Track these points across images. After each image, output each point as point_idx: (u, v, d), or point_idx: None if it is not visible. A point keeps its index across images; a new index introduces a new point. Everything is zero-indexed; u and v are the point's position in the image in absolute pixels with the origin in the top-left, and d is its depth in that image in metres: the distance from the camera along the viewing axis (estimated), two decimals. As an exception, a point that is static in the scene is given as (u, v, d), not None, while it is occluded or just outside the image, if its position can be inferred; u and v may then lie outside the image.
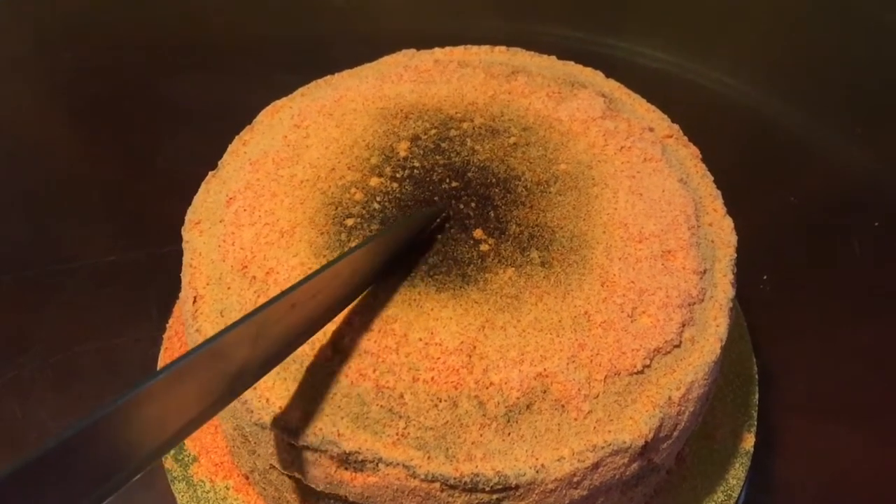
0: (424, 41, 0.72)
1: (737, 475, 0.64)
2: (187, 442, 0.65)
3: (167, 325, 0.73)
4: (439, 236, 0.55)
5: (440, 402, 0.48)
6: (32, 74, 1.06)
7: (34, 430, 0.71)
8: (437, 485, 0.47)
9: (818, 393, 0.74)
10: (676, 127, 0.65)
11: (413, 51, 0.71)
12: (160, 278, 0.77)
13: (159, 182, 0.90)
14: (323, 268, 0.47)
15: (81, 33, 1.11)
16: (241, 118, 0.66)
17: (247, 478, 0.63)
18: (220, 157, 0.63)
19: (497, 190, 0.58)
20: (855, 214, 0.89)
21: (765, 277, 0.81)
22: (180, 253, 0.58)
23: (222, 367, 0.43)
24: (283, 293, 0.45)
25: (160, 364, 0.69)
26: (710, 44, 1.08)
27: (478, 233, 0.56)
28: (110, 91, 1.02)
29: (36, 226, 0.87)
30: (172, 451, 0.65)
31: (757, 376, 0.69)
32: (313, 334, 0.49)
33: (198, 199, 0.61)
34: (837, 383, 0.75)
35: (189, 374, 0.40)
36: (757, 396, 0.68)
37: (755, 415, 0.67)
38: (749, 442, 0.65)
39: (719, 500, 0.62)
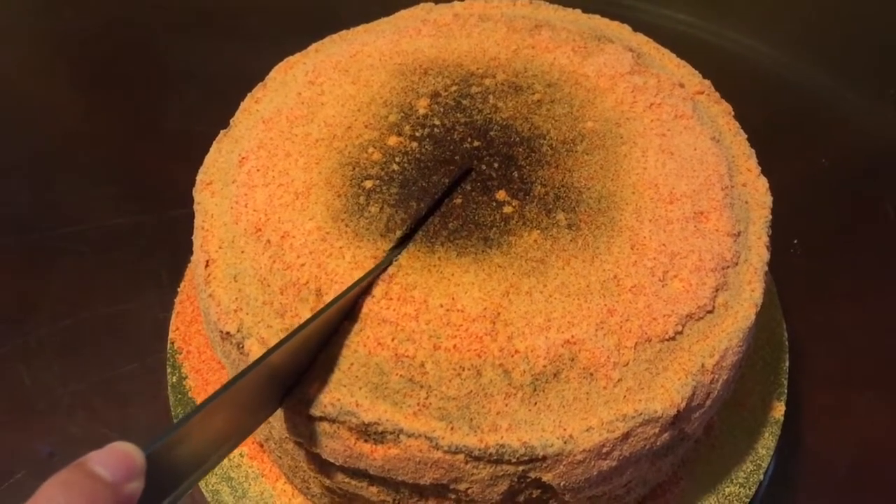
0: (440, 0, 0.69)
1: (766, 444, 0.62)
2: (200, 408, 0.64)
3: (178, 290, 0.71)
4: (460, 199, 0.53)
5: (463, 370, 0.46)
6: (38, 36, 1.04)
7: (42, 396, 0.71)
8: (461, 456, 0.45)
9: (849, 360, 0.73)
10: (708, 83, 0.63)
11: (431, 4, 0.68)
12: (170, 242, 0.75)
13: (168, 144, 0.89)
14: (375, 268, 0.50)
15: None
16: (250, 79, 0.64)
17: (261, 446, 0.61)
18: (228, 119, 0.62)
19: (521, 149, 0.56)
20: (888, 177, 0.87)
21: (796, 242, 0.79)
22: (190, 216, 0.56)
23: (279, 376, 0.45)
24: (338, 298, 0.47)
25: (171, 330, 0.68)
26: (735, 4, 1.05)
27: (501, 194, 0.53)
28: (117, 52, 1.00)
29: (42, 189, 0.86)
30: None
31: (787, 343, 0.66)
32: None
33: (209, 158, 0.59)
34: (869, 350, 0.73)
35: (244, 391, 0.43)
36: (787, 364, 0.66)
37: (785, 383, 0.65)
38: (779, 411, 0.63)
39: (748, 469, 0.61)
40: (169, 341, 0.67)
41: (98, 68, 0.98)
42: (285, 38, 0.71)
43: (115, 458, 0.35)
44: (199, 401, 0.64)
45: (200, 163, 0.59)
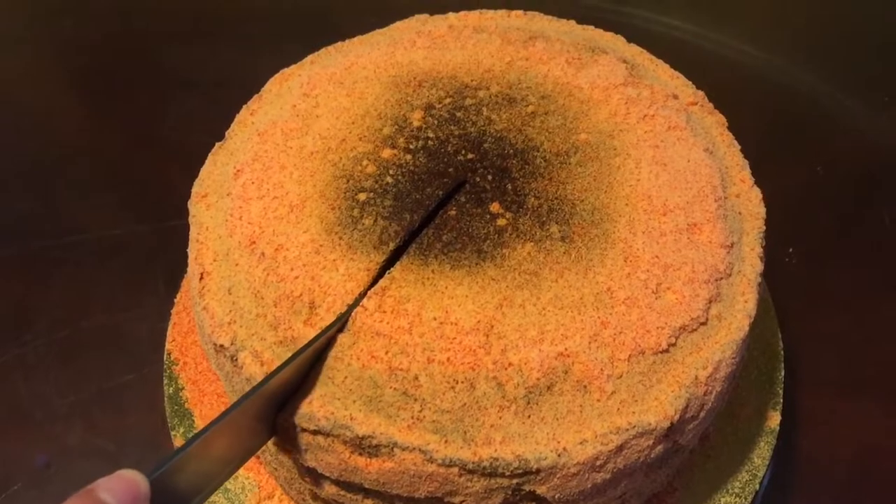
0: (435, 11, 0.70)
1: (762, 454, 0.62)
2: (197, 420, 0.64)
3: (175, 300, 0.71)
4: (453, 211, 0.53)
5: (457, 383, 0.46)
6: (37, 44, 1.04)
7: (40, 407, 0.70)
8: (455, 469, 0.45)
9: (845, 369, 0.73)
10: (701, 94, 0.63)
11: (426, 16, 0.68)
12: (167, 252, 0.76)
13: (165, 153, 0.89)
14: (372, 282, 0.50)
15: (85, 1, 1.09)
16: (247, 88, 0.64)
17: (257, 458, 0.61)
18: (226, 127, 0.62)
19: (514, 161, 0.56)
20: (883, 185, 0.87)
21: (791, 250, 0.79)
22: (187, 226, 0.56)
23: (276, 396, 0.46)
24: (341, 317, 0.48)
25: (168, 341, 0.68)
26: (729, 11, 1.05)
27: (494, 206, 0.53)
28: (116, 61, 1.00)
29: (39, 199, 0.86)
30: (182, 430, 0.63)
31: (783, 352, 0.66)
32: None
33: (204, 171, 0.59)
34: (865, 359, 0.73)
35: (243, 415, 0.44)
36: (783, 373, 0.65)
37: (781, 392, 0.65)
38: (774, 420, 0.63)
39: (744, 479, 0.61)
40: (165, 352, 0.67)
41: (97, 77, 0.98)
42: (284, 46, 0.71)
43: (122, 485, 0.36)
44: (195, 412, 0.64)
45: (198, 172, 0.59)
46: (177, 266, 0.71)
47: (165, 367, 0.67)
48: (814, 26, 1.04)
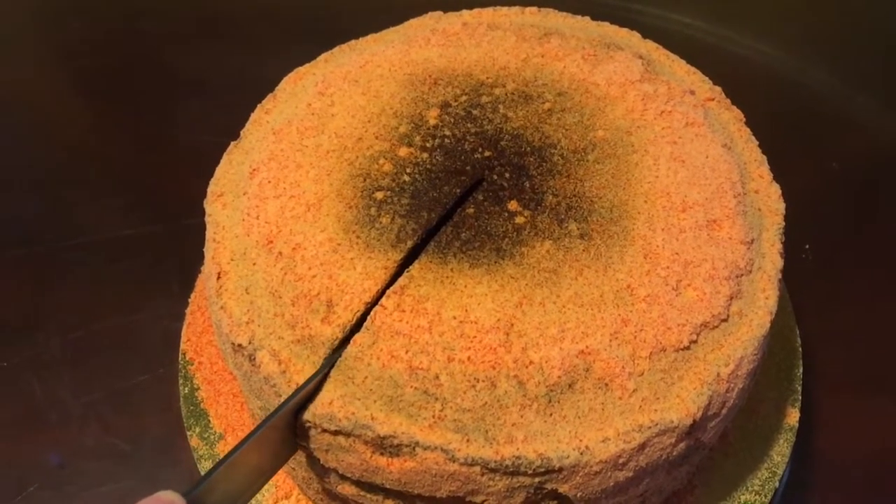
0: (449, 8, 0.69)
1: (781, 451, 0.62)
2: (213, 419, 0.64)
3: (189, 300, 0.71)
4: (471, 209, 0.53)
5: (478, 382, 0.46)
6: (45, 47, 1.03)
7: (54, 408, 0.70)
8: (477, 468, 0.45)
9: (862, 365, 0.72)
10: (718, 89, 0.63)
11: (440, 13, 0.68)
12: (180, 252, 0.75)
13: (176, 154, 0.89)
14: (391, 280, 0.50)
15: (92, 3, 1.08)
16: (258, 88, 0.64)
17: (274, 457, 0.61)
18: (238, 127, 0.61)
19: (532, 159, 0.56)
20: (898, 181, 0.86)
21: (807, 247, 0.79)
22: (200, 226, 0.56)
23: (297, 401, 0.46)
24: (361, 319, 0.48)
25: (183, 341, 0.68)
26: (742, 8, 1.05)
27: (512, 204, 0.53)
28: (125, 62, 1.00)
29: (52, 200, 0.86)
30: (197, 430, 0.63)
31: (801, 349, 0.66)
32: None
33: (220, 170, 0.59)
34: (882, 355, 0.73)
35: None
36: (801, 370, 0.65)
37: (799, 389, 0.64)
38: (793, 417, 0.63)
39: (763, 476, 0.60)
40: (180, 352, 0.67)
41: (106, 79, 0.98)
42: (293, 46, 0.71)
43: None
44: (211, 412, 0.64)
45: (209, 171, 0.59)
46: (190, 266, 0.72)
47: (180, 367, 0.66)
48: (827, 22, 1.03)
